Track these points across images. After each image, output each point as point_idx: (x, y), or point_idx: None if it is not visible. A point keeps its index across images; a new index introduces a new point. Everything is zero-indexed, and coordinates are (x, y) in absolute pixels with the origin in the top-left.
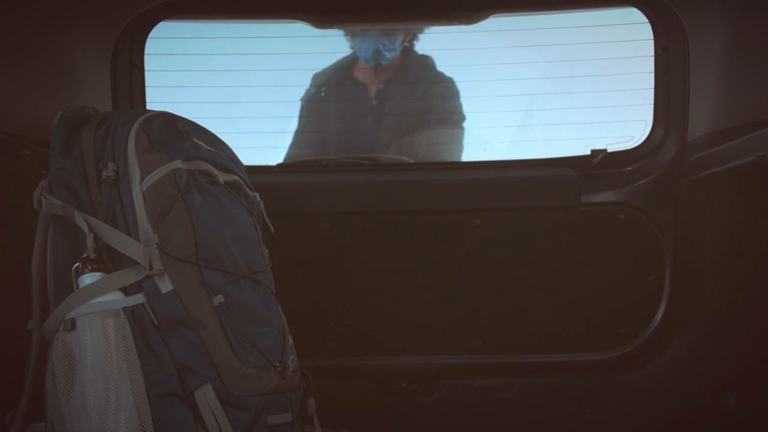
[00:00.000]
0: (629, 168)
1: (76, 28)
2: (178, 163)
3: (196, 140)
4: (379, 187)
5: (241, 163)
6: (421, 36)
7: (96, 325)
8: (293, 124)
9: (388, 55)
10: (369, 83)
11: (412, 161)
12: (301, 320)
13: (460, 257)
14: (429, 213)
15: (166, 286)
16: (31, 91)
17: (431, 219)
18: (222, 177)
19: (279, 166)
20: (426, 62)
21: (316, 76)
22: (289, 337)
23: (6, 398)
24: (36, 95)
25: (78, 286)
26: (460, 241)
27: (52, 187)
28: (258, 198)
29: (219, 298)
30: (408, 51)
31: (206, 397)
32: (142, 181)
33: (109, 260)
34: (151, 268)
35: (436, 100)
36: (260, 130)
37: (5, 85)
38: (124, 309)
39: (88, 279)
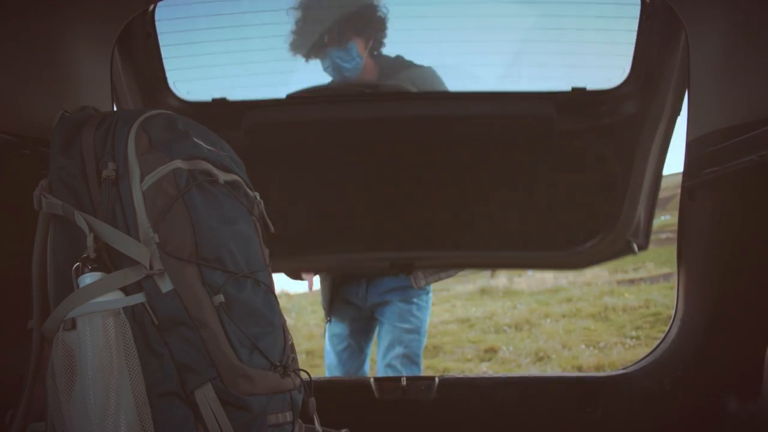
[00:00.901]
0: (604, 107)
1: (77, 21)
2: (178, 163)
3: (195, 140)
4: (376, 118)
5: (241, 163)
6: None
7: (96, 324)
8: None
9: (348, 66)
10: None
11: (414, 89)
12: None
13: (448, 178)
14: (422, 141)
15: (166, 285)
16: (31, 90)
17: (423, 146)
18: (222, 176)
19: (288, 97)
20: (401, 61)
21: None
22: (290, 336)
23: (6, 398)
24: (36, 93)
25: (78, 285)
26: (448, 166)
27: (52, 186)
28: (258, 197)
29: (219, 298)
30: (378, 56)
31: (206, 397)
32: (142, 180)
33: (109, 260)
34: (151, 267)
35: (420, 81)
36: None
37: (5, 84)
38: (125, 309)
39: (88, 279)
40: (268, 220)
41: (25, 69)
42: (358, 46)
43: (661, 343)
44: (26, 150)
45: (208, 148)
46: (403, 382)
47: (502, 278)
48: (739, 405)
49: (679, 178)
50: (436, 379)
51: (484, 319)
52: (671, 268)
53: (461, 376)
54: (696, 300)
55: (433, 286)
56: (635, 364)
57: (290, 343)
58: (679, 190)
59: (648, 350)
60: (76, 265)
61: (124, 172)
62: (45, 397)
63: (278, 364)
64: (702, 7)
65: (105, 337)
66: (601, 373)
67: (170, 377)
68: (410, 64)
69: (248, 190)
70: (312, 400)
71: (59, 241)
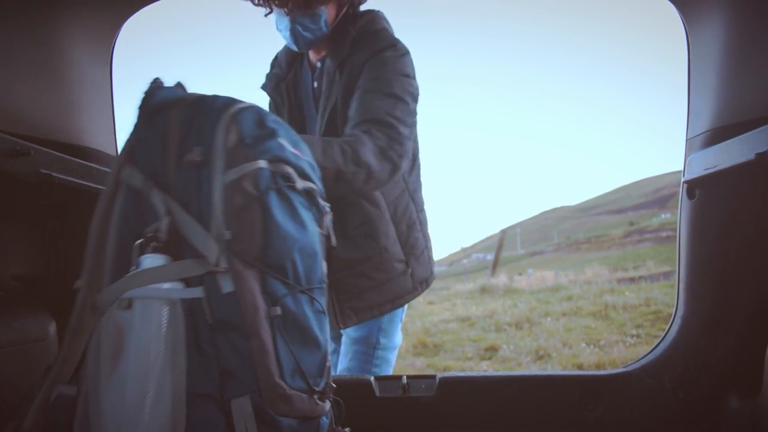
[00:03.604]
0: None
1: (77, 21)
2: (262, 163)
3: (281, 140)
4: None
5: (318, 169)
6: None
7: (152, 310)
8: None
9: (308, 35)
10: (314, 59)
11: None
12: None
13: None
14: None
15: (227, 286)
16: (31, 90)
17: None
18: (300, 183)
19: None
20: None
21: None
22: (329, 358)
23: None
24: (36, 93)
25: (139, 263)
26: None
27: (133, 156)
28: (328, 209)
29: (276, 310)
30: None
31: (242, 409)
32: (224, 173)
33: (175, 246)
34: (217, 264)
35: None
36: None
37: (5, 84)
38: (182, 300)
39: (150, 260)
40: (332, 233)
41: (25, 69)
42: (328, 15)
43: (661, 341)
44: (26, 150)
45: (292, 150)
46: (404, 380)
47: (502, 277)
48: (739, 402)
49: (679, 177)
50: (437, 378)
51: (484, 317)
52: (671, 266)
53: (462, 374)
54: (696, 298)
55: (433, 285)
56: (636, 362)
57: (328, 365)
58: (678, 189)
59: (648, 348)
60: (140, 241)
61: (207, 161)
62: (84, 366)
63: (316, 389)
64: (702, 7)
65: (157, 325)
66: (602, 372)
67: (212, 380)
68: (379, 36)
69: (320, 200)
70: (339, 429)
71: (128, 214)
